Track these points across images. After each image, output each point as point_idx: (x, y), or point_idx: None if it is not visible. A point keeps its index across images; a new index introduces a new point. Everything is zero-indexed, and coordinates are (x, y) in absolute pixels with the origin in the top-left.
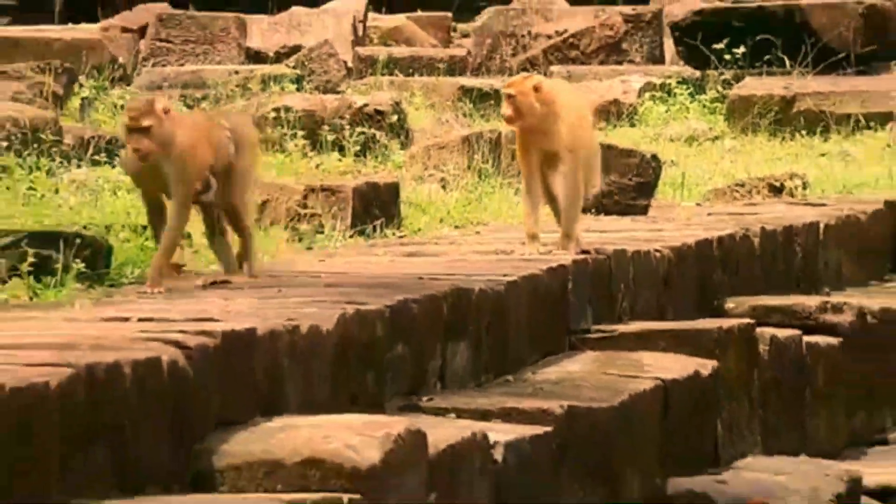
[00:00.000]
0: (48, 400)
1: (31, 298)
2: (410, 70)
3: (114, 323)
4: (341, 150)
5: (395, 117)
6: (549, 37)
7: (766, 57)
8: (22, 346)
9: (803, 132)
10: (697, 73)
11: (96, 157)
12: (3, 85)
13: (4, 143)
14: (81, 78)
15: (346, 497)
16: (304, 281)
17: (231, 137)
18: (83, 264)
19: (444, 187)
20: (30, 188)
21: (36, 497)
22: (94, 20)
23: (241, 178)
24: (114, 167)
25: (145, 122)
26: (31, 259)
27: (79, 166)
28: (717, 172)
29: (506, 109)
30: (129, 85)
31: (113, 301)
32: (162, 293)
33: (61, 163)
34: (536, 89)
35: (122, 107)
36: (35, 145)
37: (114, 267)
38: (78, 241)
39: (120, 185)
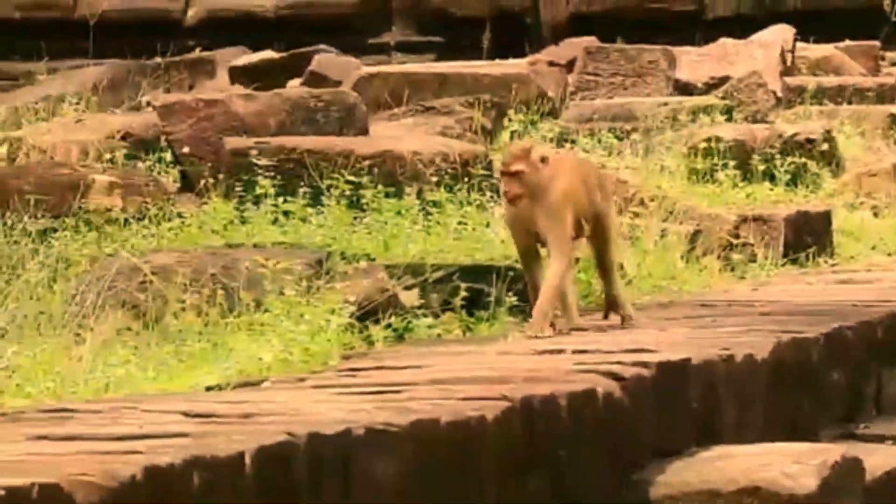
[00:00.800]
0: (485, 433)
1: (464, 332)
2: (839, 99)
3: (547, 355)
4: (772, 179)
5: (825, 146)
6: None
7: None
8: (457, 381)
9: None
10: None
11: None
12: (432, 120)
13: (435, 179)
14: (510, 112)
15: None
16: (738, 310)
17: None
18: (515, 297)
19: (875, 214)
20: (461, 223)
21: None
22: (522, 55)
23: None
24: None
25: (515, 168)
26: (463, 293)
27: None
28: None
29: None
30: (556, 118)
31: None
32: (551, 336)
33: (492, 197)
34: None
35: (551, 139)
36: (465, 179)
37: None
38: (510, 274)
39: None
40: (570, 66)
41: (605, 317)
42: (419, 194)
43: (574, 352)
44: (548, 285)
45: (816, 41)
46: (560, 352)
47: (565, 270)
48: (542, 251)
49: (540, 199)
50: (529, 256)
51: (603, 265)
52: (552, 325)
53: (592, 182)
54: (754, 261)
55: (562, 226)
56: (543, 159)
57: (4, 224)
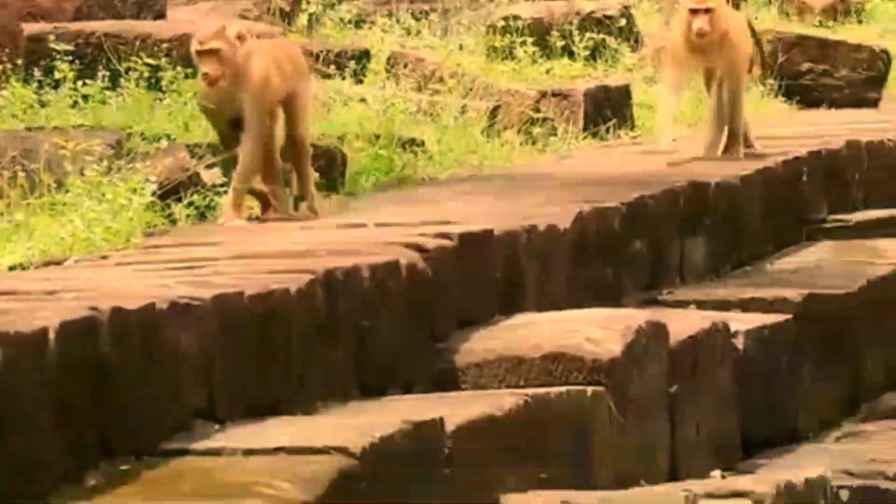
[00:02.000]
0: (288, 305)
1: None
2: None
3: (350, 229)
4: (571, 55)
5: (623, 21)
6: None
7: None
8: (261, 255)
9: None
10: None
11: (327, 70)
12: (230, 4)
13: None
14: None
15: (589, 389)
16: (540, 182)
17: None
18: (318, 174)
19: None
20: None
21: (282, 398)
22: None
23: (303, 108)
24: (343, 79)
25: (213, 45)
26: None
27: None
28: None
29: (704, 24)
30: (354, 0)
31: (350, 209)
32: (242, 225)
33: None
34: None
35: (349, 21)
36: None
37: (349, 176)
38: (313, 150)
39: (351, 97)
40: None
41: (295, 208)
42: None
43: (376, 225)
44: (240, 169)
45: None
46: (362, 226)
47: (259, 153)
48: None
49: (240, 79)
50: (229, 141)
51: (293, 148)
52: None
53: (284, 62)
54: (555, 135)
55: (259, 107)
56: (240, 37)
57: None
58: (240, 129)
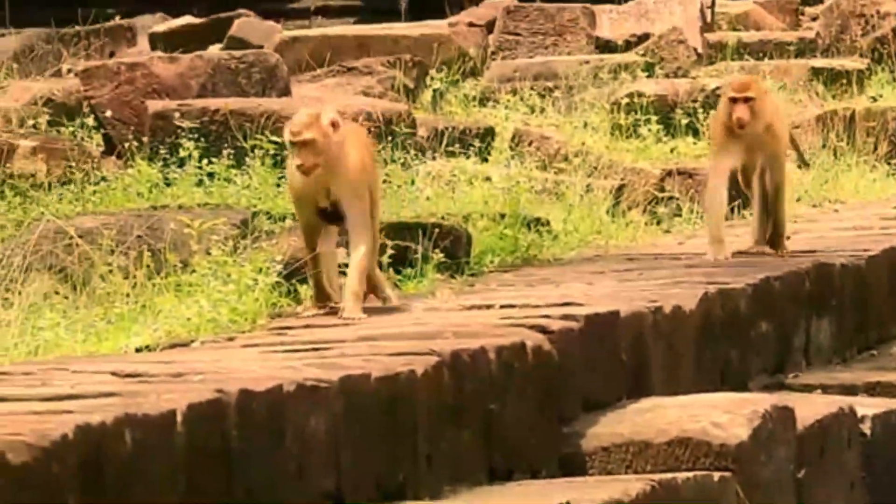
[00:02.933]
0: (415, 387)
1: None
2: (760, 54)
3: (476, 310)
4: (695, 133)
5: None
6: None
7: None
8: (386, 337)
9: None
10: None
11: (450, 149)
12: (354, 81)
13: None
14: (432, 72)
15: (717, 475)
16: (665, 263)
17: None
18: (443, 254)
19: (799, 166)
20: (385, 181)
21: (409, 481)
22: (441, 18)
23: (378, 199)
24: (467, 157)
25: (307, 136)
26: (390, 251)
27: (433, 158)
28: None
29: (743, 114)
30: (478, 78)
31: (475, 290)
32: (364, 319)
33: (416, 155)
34: (766, 92)
35: (474, 98)
36: (389, 138)
37: (473, 256)
38: (437, 231)
39: (476, 176)
40: (489, 26)
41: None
42: None
43: (502, 306)
44: (358, 265)
45: None
46: (488, 307)
47: (373, 248)
48: (329, 227)
49: (335, 169)
50: (315, 231)
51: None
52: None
53: (369, 148)
54: (679, 214)
55: (363, 199)
56: (334, 125)
57: None
58: (328, 220)
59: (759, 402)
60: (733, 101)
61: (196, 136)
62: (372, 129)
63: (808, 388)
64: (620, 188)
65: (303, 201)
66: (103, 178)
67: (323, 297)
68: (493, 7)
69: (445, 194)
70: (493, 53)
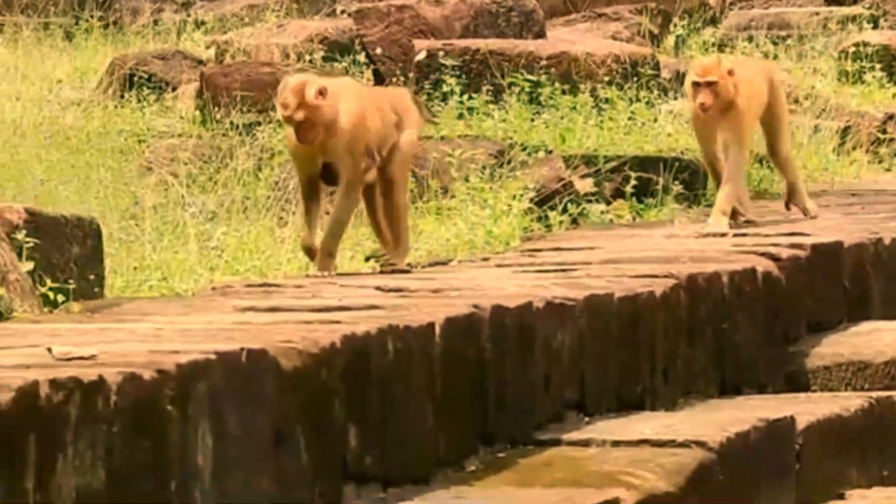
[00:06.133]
0: (654, 307)
1: (633, 218)
2: None
3: (711, 238)
4: None
5: None
6: None
7: None
8: (628, 260)
9: None
10: None
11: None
12: (604, 26)
13: (607, 78)
14: (674, 20)
15: None
16: (885, 198)
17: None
18: (681, 186)
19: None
20: (630, 118)
21: (647, 393)
22: None
23: (404, 160)
24: None
25: (299, 116)
26: (633, 182)
27: (675, 98)
28: None
29: (706, 98)
30: (717, 26)
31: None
32: (331, 275)
33: (659, 95)
34: (730, 73)
35: (713, 44)
36: (634, 79)
37: (709, 188)
38: (676, 164)
39: None
40: None
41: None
42: (592, 92)
43: (734, 235)
44: (334, 221)
45: None
46: (723, 235)
47: (354, 207)
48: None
49: (330, 131)
50: (312, 187)
51: (391, 206)
52: (377, 258)
53: (386, 108)
54: None
55: (355, 158)
56: (322, 92)
57: (214, 118)
58: (328, 181)
59: None
60: (696, 85)
61: (458, 73)
62: (616, 70)
63: None
64: (846, 129)
65: (298, 158)
66: None
67: (311, 254)
68: None
69: (685, 131)
70: (731, 4)
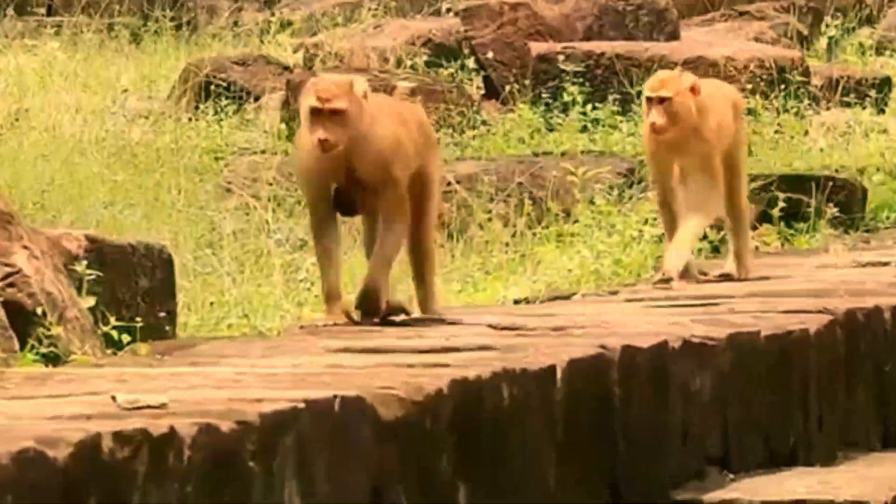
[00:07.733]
0: (806, 346)
1: (782, 244)
2: None
3: (871, 268)
4: None
5: None
6: None
7: None
8: (777, 293)
9: None
10: None
11: (845, 99)
12: (746, 25)
13: (749, 86)
14: (826, 19)
15: None
16: None
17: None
18: (836, 208)
19: None
20: (777, 131)
21: (800, 444)
22: None
23: (431, 194)
24: (863, 108)
25: (336, 105)
26: (781, 203)
27: (827, 108)
28: None
29: (657, 118)
30: (874, 26)
31: (869, 246)
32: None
33: (809, 104)
34: (693, 90)
35: (870, 47)
36: (781, 86)
37: (868, 211)
38: (830, 184)
39: (872, 128)
40: None
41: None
42: None
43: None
44: (381, 257)
45: None
46: (884, 265)
47: (404, 238)
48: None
49: (361, 146)
50: (324, 215)
51: (417, 243)
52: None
53: (413, 129)
54: None
55: (397, 184)
56: (366, 95)
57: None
58: (343, 210)
59: None
60: (648, 100)
61: (580, 80)
62: (760, 76)
63: None
64: None
65: (313, 182)
66: (483, 122)
67: (335, 298)
68: None
69: (839, 146)
70: (890, 1)
